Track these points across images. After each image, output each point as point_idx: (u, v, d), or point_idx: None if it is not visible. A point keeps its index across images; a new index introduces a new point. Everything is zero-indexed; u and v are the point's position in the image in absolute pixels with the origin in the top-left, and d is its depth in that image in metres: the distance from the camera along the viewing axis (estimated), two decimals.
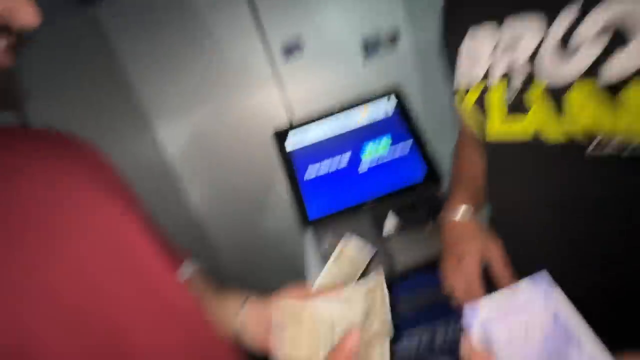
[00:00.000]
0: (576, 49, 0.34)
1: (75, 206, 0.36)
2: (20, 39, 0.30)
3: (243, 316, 0.46)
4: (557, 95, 0.36)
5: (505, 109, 0.43)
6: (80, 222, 0.35)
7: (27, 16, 0.28)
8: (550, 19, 0.36)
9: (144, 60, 1.20)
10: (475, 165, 0.60)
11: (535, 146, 0.41)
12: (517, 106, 0.42)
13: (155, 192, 1.12)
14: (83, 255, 0.33)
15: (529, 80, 0.39)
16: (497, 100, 0.44)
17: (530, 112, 0.40)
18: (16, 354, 0.27)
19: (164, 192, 1.25)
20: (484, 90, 0.45)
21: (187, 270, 0.56)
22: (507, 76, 0.42)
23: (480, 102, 0.46)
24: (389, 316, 0.40)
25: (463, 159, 0.65)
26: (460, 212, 0.58)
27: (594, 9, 0.33)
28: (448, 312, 0.86)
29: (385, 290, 0.42)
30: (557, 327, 0.27)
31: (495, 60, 0.43)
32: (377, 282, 0.42)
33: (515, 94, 0.41)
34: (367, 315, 0.41)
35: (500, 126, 0.45)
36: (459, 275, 0.55)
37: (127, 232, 0.39)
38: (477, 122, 0.49)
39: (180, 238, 0.62)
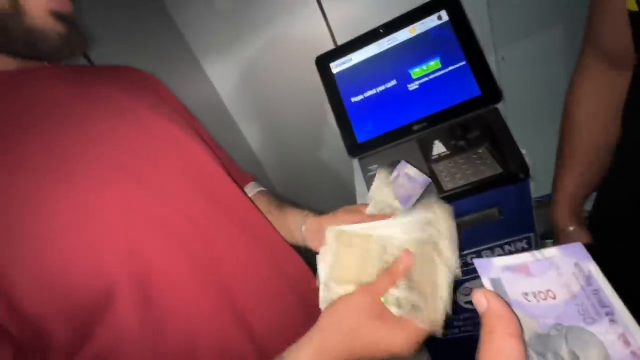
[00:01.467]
0: None
1: (156, 135, 0.40)
2: None
3: (304, 232, 0.51)
4: None
5: None
6: (160, 150, 0.39)
7: None
8: None
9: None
10: (597, 121, 0.50)
11: None
12: None
13: (214, 128, 1.20)
14: (170, 182, 0.38)
15: None
16: None
17: None
18: (143, 281, 0.33)
19: (222, 127, 1.34)
20: None
21: (252, 189, 0.62)
22: None
23: None
24: (454, 255, 0.38)
25: (580, 110, 0.54)
26: (568, 230, 0.56)
27: None
28: (497, 235, 0.87)
29: (452, 226, 0.40)
30: (587, 293, 0.23)
31: None
32: (441, 214, 0.40)
33: None
34: (423, 244, 0.39)
35: None
36: None
37: (200, 157, 0.43)
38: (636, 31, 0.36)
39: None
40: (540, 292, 0.25)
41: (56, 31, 0.32)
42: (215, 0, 1.20)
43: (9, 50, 0.32)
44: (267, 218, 0.51)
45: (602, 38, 0.46)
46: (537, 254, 0.27)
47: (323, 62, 0.91)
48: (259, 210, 0.50)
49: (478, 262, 0.27)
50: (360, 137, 0.87)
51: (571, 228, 0.59)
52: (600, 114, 0.51)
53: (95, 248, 0.30)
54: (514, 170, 0.76)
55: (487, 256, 0.91)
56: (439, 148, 0.83)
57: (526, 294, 0.25)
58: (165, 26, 1.20)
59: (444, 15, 0.84)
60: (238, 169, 0.63)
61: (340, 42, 1.19)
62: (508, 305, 0.24)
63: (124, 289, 0.31)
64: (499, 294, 0.25)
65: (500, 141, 0.80)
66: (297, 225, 0.52)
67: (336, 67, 0.90)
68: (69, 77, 0.39)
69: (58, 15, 0.32)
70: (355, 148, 0.87)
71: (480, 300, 0.24)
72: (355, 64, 0.89)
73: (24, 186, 0.28)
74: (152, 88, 0.49)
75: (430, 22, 0.84)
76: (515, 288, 0.25)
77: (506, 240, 0.88)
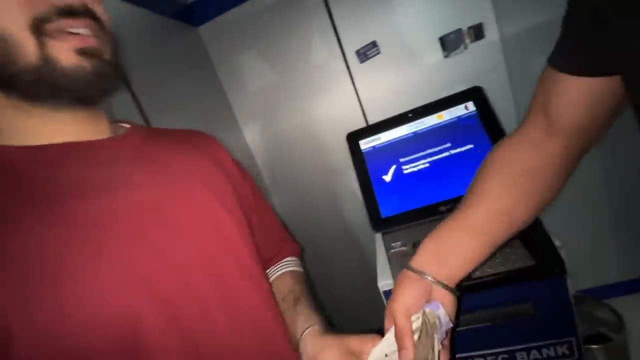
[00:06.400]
0: None
1: (197, 210, 0.41)
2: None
3: (301, 341, 0.47)
4: None
5: None
6: (196, 226, 0.40)
7: None
8: None
9: (236, 72, 1.36)
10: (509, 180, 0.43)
11: None
12: None
13: None
14: (188, 261, 0.38)
15: None
16: None
17: None
18: (130, 346, 0.31)
19: None
20: None
21: (285, 266, 0.59)
22: None
23: None
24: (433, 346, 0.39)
25: (505, 163, 0.45)
26: (423, 275, 0.43)
27: None
28: (533, 335, 0.79)
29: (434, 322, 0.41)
30: None
31: None
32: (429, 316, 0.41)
33: None
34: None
35: None
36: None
37: (228, 234, 0.43)
38: None
39: None
40: None
41: (84, 67, 0.33)
42: (261, 78, 1.36)
43: (54, 103, 0.34)
44: (277, 315, 0.48)
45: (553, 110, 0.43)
46: None
47: (353, 138, 0.97)
48: (269, 305, 0.47)
49: None
50: (385, 212, 0.87)
51: (428, 275, 0.43)
52: (516, 175, 0.44)
53: (90, 313, 0.30)
54: (548, 264, 0.71)
55: (522, 358, 0.81)
56: None
57: None
58: (217, 96, 1.36)
59: (471, 105, 0.89)
60: (283, 237, 0.62)
61: (370, 120, 1.27)
62: None
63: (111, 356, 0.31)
64: None
65: (532, 231, 0.77)
66: (298, 330, 0.48)
67: (365, 144, 0.95)
68: (138, 146, 0.42)
69: (84, 53, 0.33)
70: (378, 223, 0.87)
71: None
72: (383, 142, 0.94)
73: (52, 249, 0.30)
74: (213, 153, 0.51)
75: (458, 110, 0.90)
76: None
77: (544, 343, 0.79)
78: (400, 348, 0.40)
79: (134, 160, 0.40)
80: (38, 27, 0.31)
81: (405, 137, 0.92)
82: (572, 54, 0.40)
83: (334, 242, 1.49)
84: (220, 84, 1.40)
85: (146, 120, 0.87)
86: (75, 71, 0.33)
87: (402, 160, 0.90)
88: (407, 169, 0.90)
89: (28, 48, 0.31)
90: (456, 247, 0.44)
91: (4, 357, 0.26)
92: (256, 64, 1.34)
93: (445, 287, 0.43)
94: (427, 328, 0.41)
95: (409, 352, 0.40)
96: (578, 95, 0.41)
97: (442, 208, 0.83)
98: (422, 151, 0.89)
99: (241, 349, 0.40)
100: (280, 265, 0.60)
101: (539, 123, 0.45)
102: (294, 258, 0.62)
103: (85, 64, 0.33)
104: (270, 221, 0.60)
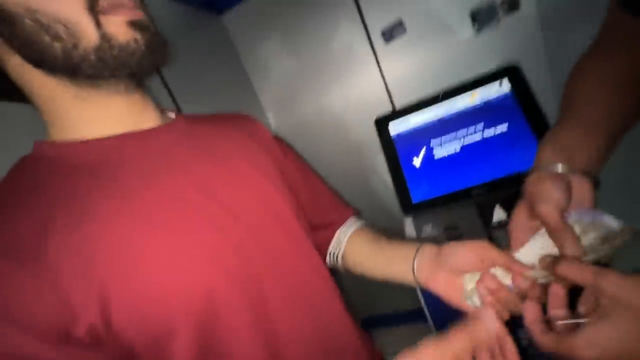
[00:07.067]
0: None
1: (247, 189, 0.43)
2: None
3: (417, 260, 0.48)
4: None
5: None
6: (247, 203, 0.42)
7: None
8: None
9: (260, 58, 1.37)
10: (622, 87, 0.42)
11: None
12: None
13: None
14: (238, 231, 0.40)
15: None
16: None
17: None
18: (204, 325, 0.34)
19: None
20: None
21: (352, 225, 0.61)
22: None
23: None
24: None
25: (599, 71, 0.44)
26: (554, 169, 0.40)
27: None
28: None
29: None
30: None
31: None
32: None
33: None
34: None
35: None
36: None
37: (278, 209, 0.45)
38: None
39: None
40: None
41: (138, 41, 0.34)
42: (285, 62, 1.35)
43: (112, 84, 0.36)
44: (331, 287, 0.49)
45: None
46: None
47: (382, 123, 0.96)
48: (324, 279, 0.49)
49: None
50: (415, 197, 0.87)
51: (560, 165, 0.40)
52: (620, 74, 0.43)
53: (169, 286, 0.34)
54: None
55: None
56: (499, 214, 0.79)
57: None
58: (241, 82, 1.37)
59: (506, 83, 0.85)
60: (338, 202, 0.63)
61: (397, 103, 1.25)
62: None
63: (183, 329, 0.34)
64: None
65: None
66: (409, 254, 0.49)
67: (395, 128, 0.94)
68: (188, 132, 0.45)
69: (135, 25, 0.34)
70: (409, 207, 0.87)
71: None
72: (414, 126, 0.92)
73: (131, 229, 0.34)
74: (253, 132, 0.53)
75: (492, 91, 0.86)
76: None
77: None
78: (565, 245, 0.36)
79: (185, 145, 0.43)
80: (92, 5, 0.31)
81: (435, 120, 0.90)
82: None
83: None
84: (244, 69, 1.41)
85: (178, 107, 0.90)
86: (131, 45, 0.34)
87: (432, 144, 0.89)
88: (438, 152, 0.88)
89: (88, 29, 0.31)
90: (581, 144, 0.42)
91: (107, 320, 0.31)
92: (279, 48, 1.34)
93: (585, 178, 0.39)
94: (591, 231, 0.37)
95: (577, 247, 0.36)
96: None
97: (475, 192, 0.82)
98: (454, 134, 0.87)
99: (294, 320, 0.42)
100: (348, 225, 0.61)
101: (617, 38, 0.44)
102: (354, 218, 0.63)
103: (138, 37, 0.34)
104: (321, 189, 0.61)
